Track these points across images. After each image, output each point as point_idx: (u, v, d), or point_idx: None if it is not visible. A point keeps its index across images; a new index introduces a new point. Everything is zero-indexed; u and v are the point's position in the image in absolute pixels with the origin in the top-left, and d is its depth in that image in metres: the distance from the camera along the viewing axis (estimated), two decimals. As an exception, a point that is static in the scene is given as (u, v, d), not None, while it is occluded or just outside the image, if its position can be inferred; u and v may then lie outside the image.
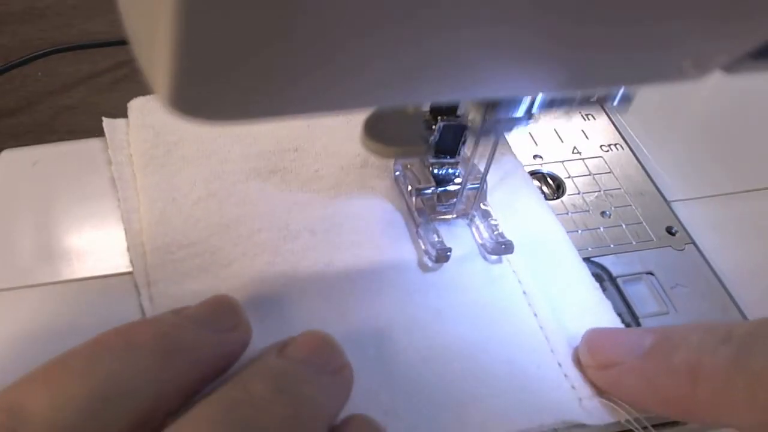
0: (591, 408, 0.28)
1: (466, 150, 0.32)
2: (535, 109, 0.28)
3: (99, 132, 0.37)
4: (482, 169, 0.33)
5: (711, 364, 0.25)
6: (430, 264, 0.32)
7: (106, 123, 0.37)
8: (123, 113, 0.37)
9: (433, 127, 0.31)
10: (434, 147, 0.31)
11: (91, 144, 0.37)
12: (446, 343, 0.30)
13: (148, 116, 0.37)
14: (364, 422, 0.24)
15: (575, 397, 0.29)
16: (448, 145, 0.31)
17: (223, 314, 0.26)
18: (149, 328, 0.23)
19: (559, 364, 0.30)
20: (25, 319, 0.30)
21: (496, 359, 0.30)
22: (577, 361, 0.30)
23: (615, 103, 0.27)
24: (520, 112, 0.28)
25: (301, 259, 0.32)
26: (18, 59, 0.47)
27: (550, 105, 0.29)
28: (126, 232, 0.33)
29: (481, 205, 0.34)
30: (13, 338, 0.29)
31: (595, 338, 0.29)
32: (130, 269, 0.32)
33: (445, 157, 0.32)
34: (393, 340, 0.30)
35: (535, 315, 0.31)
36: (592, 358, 0.29)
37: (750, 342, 0.25)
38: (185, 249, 0.32)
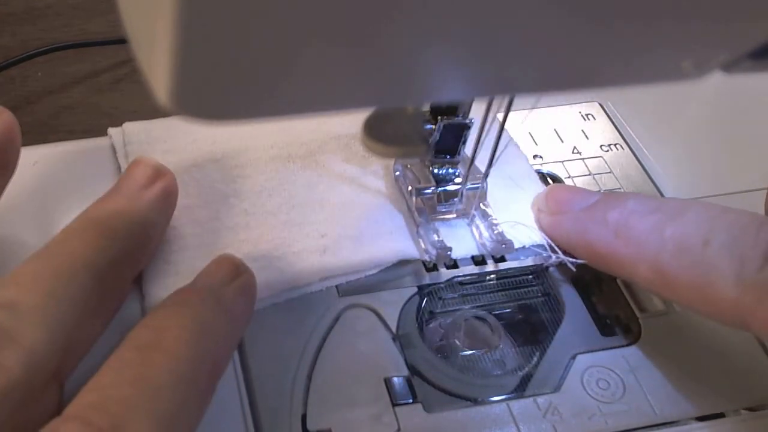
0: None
1: (466, 150, 0.32)
2: None
3: (99, 132, 0.37)
4: (482, 169, 0.33)
5: (635, 225, 0.29)
6: (430, 264, 0.32)
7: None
8: (123, 113, 0.37)
9: (433, 127, 0.31)
10: (434, 147, 0.31)
11: (92, 143, 0.37)
12: None
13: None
14: (224, 259, 0.27)
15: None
16: (448, 145, 0.31)
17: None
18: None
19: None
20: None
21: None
22: (534, 207, 0.34)
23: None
24: None
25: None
26: (17, 56, 0.47)
27: None
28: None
29: (481, 205, 0.34)
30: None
31: (554, 189, 0.34)
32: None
33: (445, 157, 0.32)
34: None
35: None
36: (546, 204, 0.33)
37: (673, 214, 0.28)
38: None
